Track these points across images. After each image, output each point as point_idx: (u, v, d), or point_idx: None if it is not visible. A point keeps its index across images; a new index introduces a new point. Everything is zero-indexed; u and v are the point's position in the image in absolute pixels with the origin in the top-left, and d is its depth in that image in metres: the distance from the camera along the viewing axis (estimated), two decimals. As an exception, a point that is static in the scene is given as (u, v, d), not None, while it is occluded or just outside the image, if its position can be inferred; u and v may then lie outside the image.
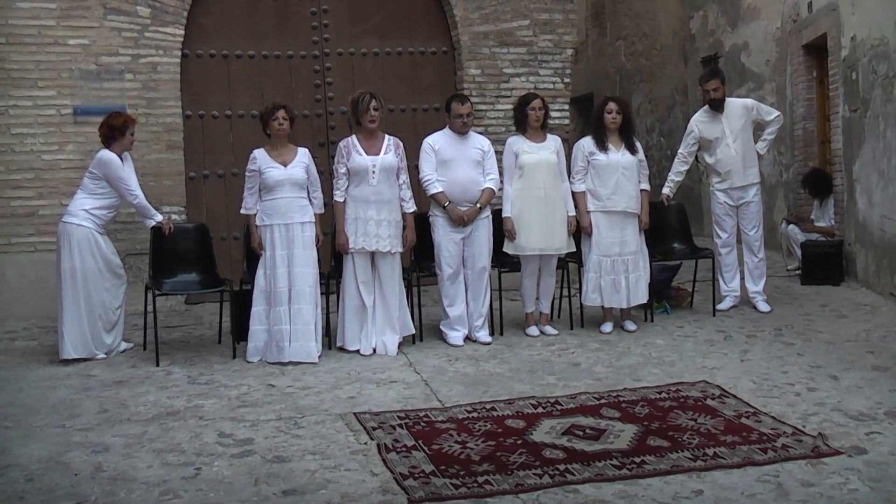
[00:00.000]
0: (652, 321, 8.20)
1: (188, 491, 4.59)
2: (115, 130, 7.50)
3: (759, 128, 8.79)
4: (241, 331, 7.44)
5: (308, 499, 4.47)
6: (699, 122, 8.63)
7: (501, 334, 7.88)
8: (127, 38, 9.14)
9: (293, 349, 7.10)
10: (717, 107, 8.48)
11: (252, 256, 7.46)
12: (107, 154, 7.44)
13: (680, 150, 8.76)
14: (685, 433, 5.25)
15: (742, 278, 8.72)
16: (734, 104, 8.60)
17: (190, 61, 9.50)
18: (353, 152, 7.34)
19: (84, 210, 7.40)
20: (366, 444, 5.22)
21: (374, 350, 7.34)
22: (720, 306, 8.58)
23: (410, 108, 10.04)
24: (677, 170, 8.75)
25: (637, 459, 4.86)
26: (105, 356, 7.40)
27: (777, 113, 8.69)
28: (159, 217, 7.62)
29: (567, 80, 10.37)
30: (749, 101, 8.79)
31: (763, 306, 8.52)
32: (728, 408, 5.71)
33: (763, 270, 8.69)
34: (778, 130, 8.75)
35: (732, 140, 8.42)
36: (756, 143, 8.64)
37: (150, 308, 7.38)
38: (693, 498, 4.38)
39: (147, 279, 7.71)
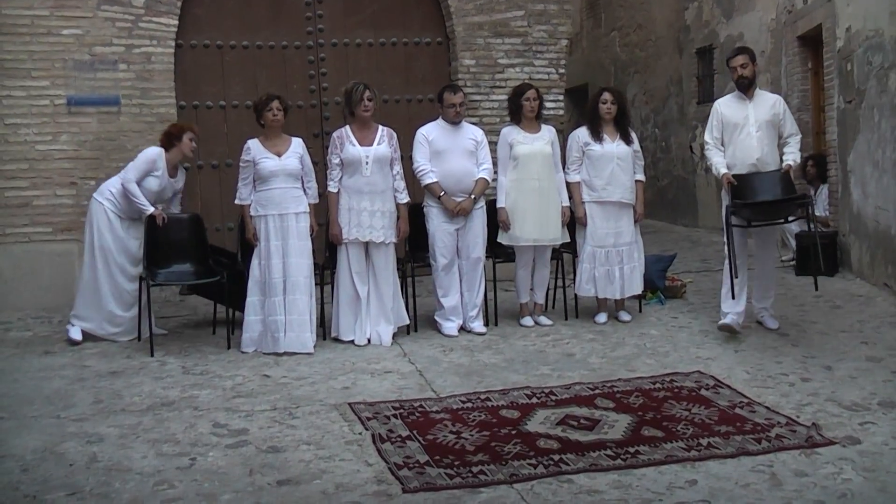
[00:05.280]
0: (640, 311, 8.20)
1: (183, 481, 4.59)
2: (171, 137, 7.74)
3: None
4: (236, 302, 7.50)
5: (302, 489, 4.47)
6: (722, 103, 7.55)
7: (496, 325, 7.89)
8: (121, 28, 9.11)
9: (288, 339, 7.10)
10: (745, 87, 7.36)
11: (246, 247, 7.45)
12: (150, 149, 7.68)
13: (706, 138, 7.52)
14: (679, 423, 5.26)
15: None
16: (764, 94, 7.54)
17: (184, 51, 9.48)
18: (346, 143, 7.33)
19: (109, 190, 7.63)
20: (360, 434, 5.22)
21: (369, 340, 7.34)
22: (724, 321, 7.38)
23: (405, 98, 10.02)
24: (717, 154, 7.37)
25: (631, 450, 4.87)
26: (116, 332, 7.59)
27: (798, 134, 7.45)
28: (151, 209, 7.62)
29: (562, 70, 10.36)
30: (782, 99, 7.61)
31: (770, 322, 7.55)
32: (722, 398, 5.72)
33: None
34: (800, 149, 7.44)
35: (756, 129, 7.26)
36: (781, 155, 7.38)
37: (144, 298, 7.37)
38: (687, 488, 4.39)
39: (142, 270, 7.70)
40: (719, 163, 7.31)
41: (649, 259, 8.37)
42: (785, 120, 7.36)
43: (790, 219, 7.50)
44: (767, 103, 7.38)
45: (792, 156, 7.26)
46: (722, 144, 7.40)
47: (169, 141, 7.70)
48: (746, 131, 7.29)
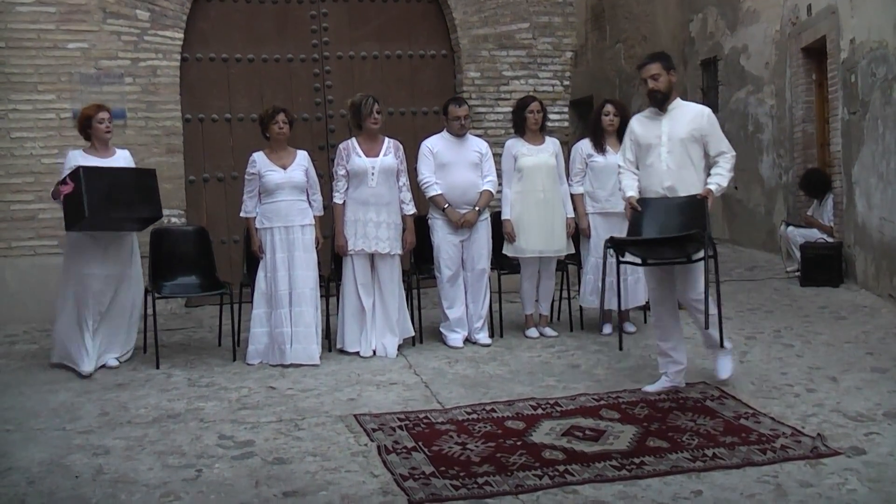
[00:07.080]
0: (645, 322, 8.20)
1: (189, 493, 4.60)
2: (84, 129, 7.27)
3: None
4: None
5: (308, 500, 4.47)
6: (636, 120, 6.32)
7: (501, 336, 7.89)
8: (126, 41, 9.16)
9: (294, 351, 7.11)
10: (658, 103, 6.11)
11: (252, 259, 7.48)
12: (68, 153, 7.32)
13: (618, 161, 6.43)
14: (684, 434, 5.26)
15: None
16: (686, 108, 6.21)
17: (189, 65, 9.52)
18: (352, 154, 7.36)
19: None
20: (366, 445, 5.23)
21: (374, 352, 7.35)
22: (647, 387, 6.25)
23: (410, 111, 10.06)
24: (629, 177, 6.23)
25: (636, 460, 4.86)
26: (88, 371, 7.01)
27: (728, 152, 6.07)
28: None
29: (566, 82, 10.39)
30: (707, 111, 6.19)
31: (722, 370, 6.23)
32: (727, 409, 5.71)
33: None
34: (731, 170, 6.06)
35: (667, 150, 6.03)
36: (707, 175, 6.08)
37: (150, 311, 7.38)
38: (692, 498, 4.39)
39: (147, 282, 7.72)
40: (628, 185, 6.19)
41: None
42: (711, 136, 6.05)
43: (694, 258, 5.93)
44: (685, 118, 6.08)
45: (717, 178, 5.99)
46: (638, 168, 6.23)
47: (85, 133, 7.29)
48: (656, 153, 6.07)
